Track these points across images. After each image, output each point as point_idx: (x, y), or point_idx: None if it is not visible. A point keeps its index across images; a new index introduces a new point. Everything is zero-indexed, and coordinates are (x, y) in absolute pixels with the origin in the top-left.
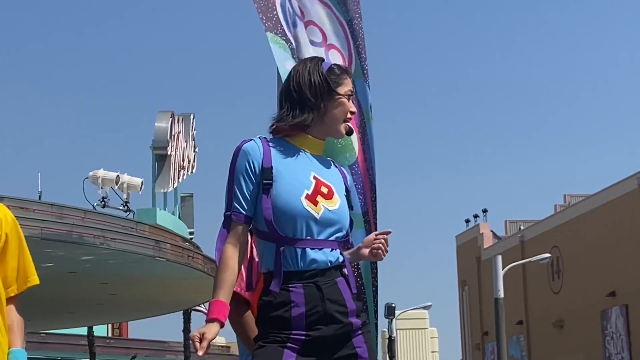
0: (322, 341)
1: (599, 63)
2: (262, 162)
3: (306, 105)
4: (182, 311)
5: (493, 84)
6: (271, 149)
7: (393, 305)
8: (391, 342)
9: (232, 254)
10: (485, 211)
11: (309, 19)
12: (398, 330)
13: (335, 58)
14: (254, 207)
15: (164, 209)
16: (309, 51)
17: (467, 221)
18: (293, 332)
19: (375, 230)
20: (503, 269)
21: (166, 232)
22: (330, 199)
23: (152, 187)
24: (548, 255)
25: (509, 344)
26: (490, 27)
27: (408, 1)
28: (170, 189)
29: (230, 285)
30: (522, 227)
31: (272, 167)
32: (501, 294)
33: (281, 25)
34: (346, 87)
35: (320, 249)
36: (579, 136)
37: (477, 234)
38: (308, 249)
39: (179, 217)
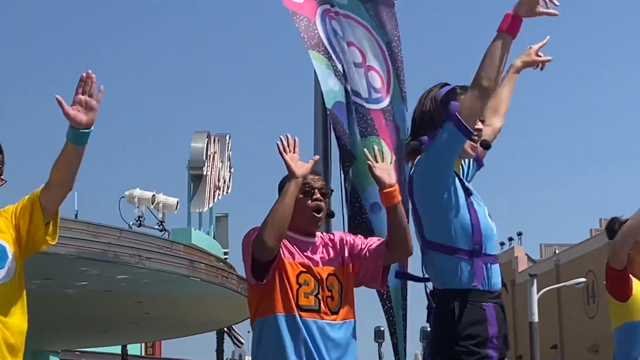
0: None
1: (636, 87)
2: None
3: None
4: (215, 331)
5: (532, 109)
6: None
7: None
8: None
9: None
10: (520, 234)
11: (349, 40)
12: None
13: (374, 80)
14: None
15: (199, 229)
16: (353, 70)
17: (502, 244)
18: (489, 351)
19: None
20: (538, 292)
21: (201, 252)
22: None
23: (188, 207)
24: (583, 279)
25: None
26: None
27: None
28: (206, 209)
29: None
30: (557, 251)
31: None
32: (536, 318)
33: (323, 44)
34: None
35: (496, 268)
36: (615, 160)
37: (512, 257)
38: (493, 267)
39: (214, 237)
